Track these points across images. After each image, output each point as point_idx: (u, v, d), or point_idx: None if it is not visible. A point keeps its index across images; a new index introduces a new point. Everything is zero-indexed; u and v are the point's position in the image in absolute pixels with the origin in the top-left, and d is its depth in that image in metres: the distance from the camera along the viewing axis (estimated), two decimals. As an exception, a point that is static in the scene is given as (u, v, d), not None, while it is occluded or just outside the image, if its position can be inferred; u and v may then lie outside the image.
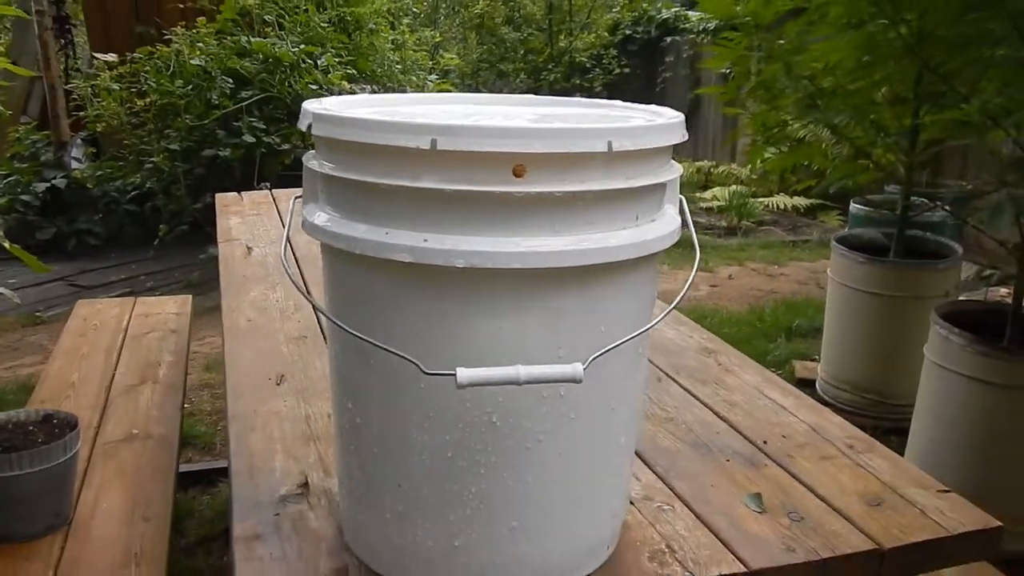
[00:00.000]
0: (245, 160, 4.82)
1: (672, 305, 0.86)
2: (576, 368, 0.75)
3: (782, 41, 2.56)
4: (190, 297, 2.94)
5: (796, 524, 1.03)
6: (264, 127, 4.84)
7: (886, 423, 3.18)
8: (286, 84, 4.89)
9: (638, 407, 0.95)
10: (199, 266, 4.98)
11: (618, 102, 1.02)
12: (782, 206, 6.80)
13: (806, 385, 3.56)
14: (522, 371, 0.74)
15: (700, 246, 0.90)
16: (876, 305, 3.21)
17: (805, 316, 4.38)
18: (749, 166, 6.95)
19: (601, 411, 0.86)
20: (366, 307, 0.82)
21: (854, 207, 4.05)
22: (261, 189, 2.89)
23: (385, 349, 0.77)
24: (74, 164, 5.90)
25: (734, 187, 6.99)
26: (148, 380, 2.25)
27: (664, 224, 0.85)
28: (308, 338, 1.59)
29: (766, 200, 6.80)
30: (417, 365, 0.75)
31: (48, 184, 5.56)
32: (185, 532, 2.52)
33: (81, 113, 5.16)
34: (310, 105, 0.85)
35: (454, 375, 0.74)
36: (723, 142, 7.55)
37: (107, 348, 2.44)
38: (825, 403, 3.40)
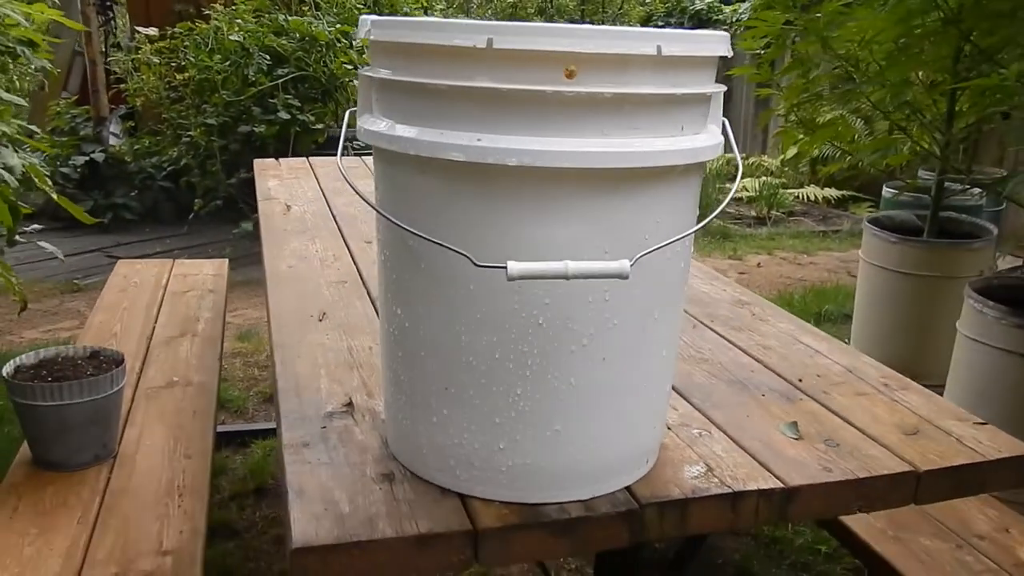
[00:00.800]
0: (279, 137, 4.87)
1: (716, 211, 0.87)
2: (623, 264, 0.77)
3: (819, 15, 2.55)
4: (226, 260, 2.99)
5: (832, 449, 1.05)
6: (299, 105, 4.89)
7: (916, 404, 3.17)
8: (321, 63, 4.94)
9: (679, 323, 0.97)
10: (232, 241, 5.05)
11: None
12: (812, 197, 6.75)
13: (835, 367, 3.55)
14: (571, 266, 0.77)
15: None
16: (909, 285, 3.20)
17: (835, 302, 4.36)
18: (780, 157, 6.92)
19: (643, 319, 0.88)
20: (420, 208, 0.85)
21: (887, 190, 4.03)
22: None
23: (437, 243, 0.80)
24: (112, 139, 6.00)
25: (764, 178, 6.95)
26: (187, 333, 2.30)
27: (708, 137, 0.87)
28: (348, 283, 1.62)
29: (796, 191, 6.76)
30: (468, 258, 0.78)
31: (87, 158, 5.66)
32: (219, 488, 2.57)
33: (121, 86, 5.25)
34: (368, 17, 0.87)
35: (505, 268, 0.76)
36: (754, 127, 7.51)
37: (147, 303, 2.50)
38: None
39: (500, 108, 0.78)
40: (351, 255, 1.80)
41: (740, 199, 6.95)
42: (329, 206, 2.23)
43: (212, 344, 2.23)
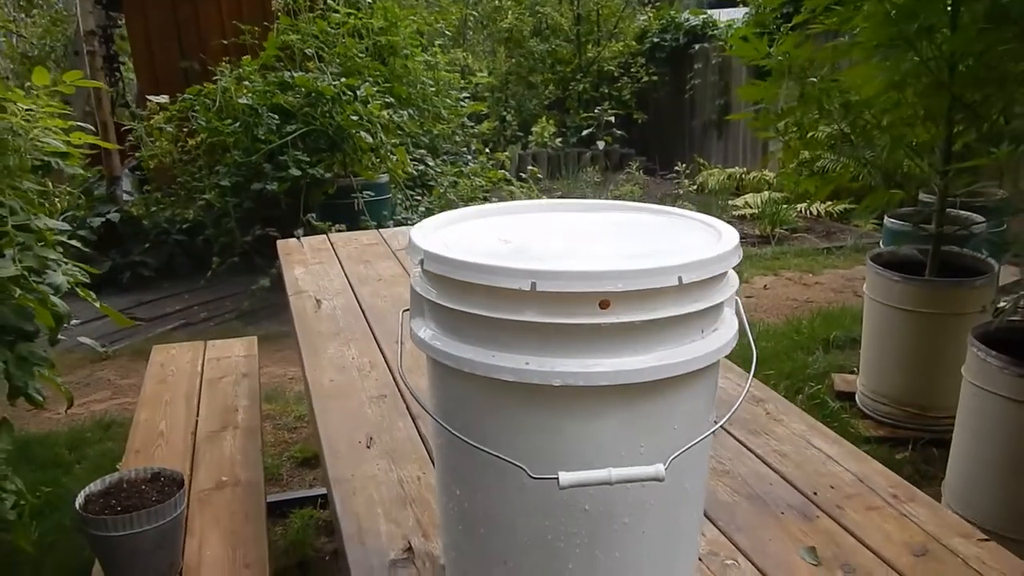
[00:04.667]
0: (290, 192, 5.01)
1: (730, 413, 0.99)
2: (658, 468, 0.89)
3: (814, 79, 2.67)
4: (255, 339, 3.11)
5: (848, 576, 1.16)
6: (307, 159, 5.03)
7: (927, 435, 3.27)
8: (327, 116, 5.07)
9: (705, 482, 1.09)
10: (250, 295, 5.17)
11: (676, 210, 1.16)
12: (815, 212, 6.87)
13: (846, 398, 3.66)
14: (613, 473, 0.88)
15: None
16: (913, 322, 3.30)
17: (842, 327, 4.46)
18: (780, 172, 7.02)
19: (676, 494, 0.99)
20: (473, 414, 0.96)
21: (889, 222, 4.12)
22: (295, 237, 3.05)
23: (493, 454, 0.91)
24: (124, 196, 6.15)
25: (766, 193, 7.07)
26: (229, 426, 2.42)
27: (725, 332, 0.98)
28: (387, 397, 1.74)
29: (799, 206, 6.87)
30: (524, 470, 0.89)
31: (103, 219, 5.81)
32: (263, 563, 2.68)
33: (137, 154, 5.39)
34: (419, 239, 0.99)
35: (556, 479, 0.88)
36: (754, 140, 7.61)
37: (186, 394, 2.62)
38: (865, 416, 3.50)
39: (544, 335, 0.89)
40: (386, 361, 1.92)
41: (744, 216, 7.06)
42: (356, 298, 2.35)
43: (253, 437, 2.35)
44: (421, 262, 0.96)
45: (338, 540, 1.30)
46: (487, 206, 1.21)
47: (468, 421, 0.97)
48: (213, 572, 1.76)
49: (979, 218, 3.83)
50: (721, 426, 0.99)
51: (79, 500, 1.70)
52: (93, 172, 6.06)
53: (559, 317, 0.88)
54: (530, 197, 6.63)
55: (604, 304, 0.88)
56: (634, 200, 7.49)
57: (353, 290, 2.41)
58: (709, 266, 0.91)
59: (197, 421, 2.45)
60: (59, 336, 2.51)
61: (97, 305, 2.34)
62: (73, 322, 2.55)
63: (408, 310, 1.06)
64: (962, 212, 3.87)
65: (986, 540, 1.23)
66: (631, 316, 0.88)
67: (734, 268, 0.99)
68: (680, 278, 0.88)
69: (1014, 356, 2.45)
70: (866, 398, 3.53)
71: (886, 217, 4.16)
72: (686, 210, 1.15)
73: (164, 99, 5.10)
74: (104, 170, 6.04)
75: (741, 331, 1.03)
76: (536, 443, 0.93)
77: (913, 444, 3.27)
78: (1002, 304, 3.23)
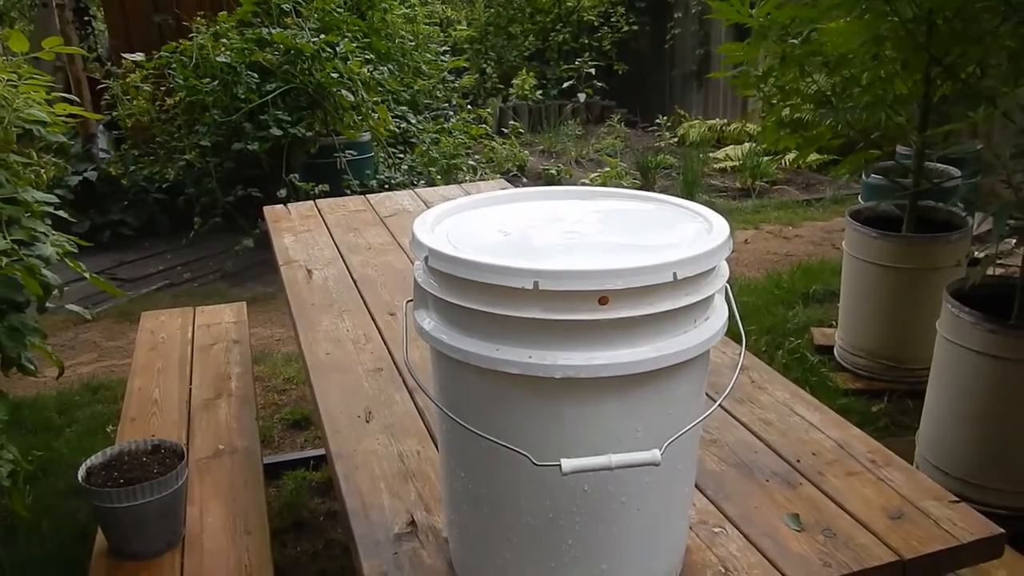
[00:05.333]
0: (272, 152, 4.98)
1: (720, 400, 1.04)
2: (655, 454, 0.94)
3: (794, 41, 2.69)
4: (244, 304, 3.14)
5: (829, 540, 1.23)
6: (288, 118, 4.99)
7: (902, 387, 3.37)
8: (307, 74, 5.02)
9: (696, 460, 1.15)
10: (233, 256, 5.17)
11: (666, 197, 1.19)
12: (794, 164, 6.91)
13: (824, 352, 3.75)
14: (613, 459, 0.93)
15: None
16: (890, 277, 3.37)
17: (821, 280, 4.54)
18: (762, 126, 7.03)
19: (669, 473, 1.05)
20: (477, 403, 1.01)
21: (867, 178, 4.17)
22: (279, 199, 3.04)
23: (498, 443, 0.96)
24: (100, 155, 6.07)
25: (747, 145, 7.09)
26: (223, 393, 2.46)
27: (716, 320, 1.03)
28: (383, 370, 1.78)
29: (779, 158, 6.91)
30: (528, 457, 0.94)
31: (80, 177, 5.75)
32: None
33: (114, 113, 5.32)
34: (423, 235, 1.02)
35: (559, 466, 0.93)
36: (735, 91, 7.60)
37: (179, 361, 2.65)
38: (843, 369, 3.60)
39: (546, 330, 0.94)
40: (380, 333, 1.96)
41: (724, 169, 7.10)
42: (348, 267, 2.38)
43: (248, 404, 2.40)
44: (426, 259, 1.00)
45: (342, 515, 1.35)
46: (484, 195, 1.24)
47: (472, 409, 1.01)
48: (215, 539, 1.82)
49: (956, 172, 3.89)
50: (712, 411, 1.04)
51: (80, 472, 1.74)
52: (67, 128, 5.97)
53: (561, 313, 0.92)
54: (513, 153, 6.63)
55: (603, 300, 0.92)
56: (616, 152, 7.50)
57: (344, 259, 2.43)
58: (703, 261, 0.96)
59: (191, 389, 2.49)
60: (47, 304, 2.53)
61: (87, 276, 2.36)
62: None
63: (411, 301, 1.10)
64: (939, 165, 3.92)
65: (957, 502, 1.31)
66: (629, 311, 0.93)
67: (725, 259, 1.03)
68: (675, 274, 0.93)
69: (987, 312, 2.53)
70: (844, 352, 3.62)
71: (863, 174, 4.21)
72: (675, 198, 1.19)
73: (140, 56, 5.02)
74: (78, 127, 5.95)
75: (730, 315, 1.08)
76: (539, 431, 0.98)
77: (889, 396, 3.37)
78: (977, 255, 3.30)
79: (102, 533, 1.80)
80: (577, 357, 0.93)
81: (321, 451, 3.06)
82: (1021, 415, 2.54)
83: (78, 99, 5.84)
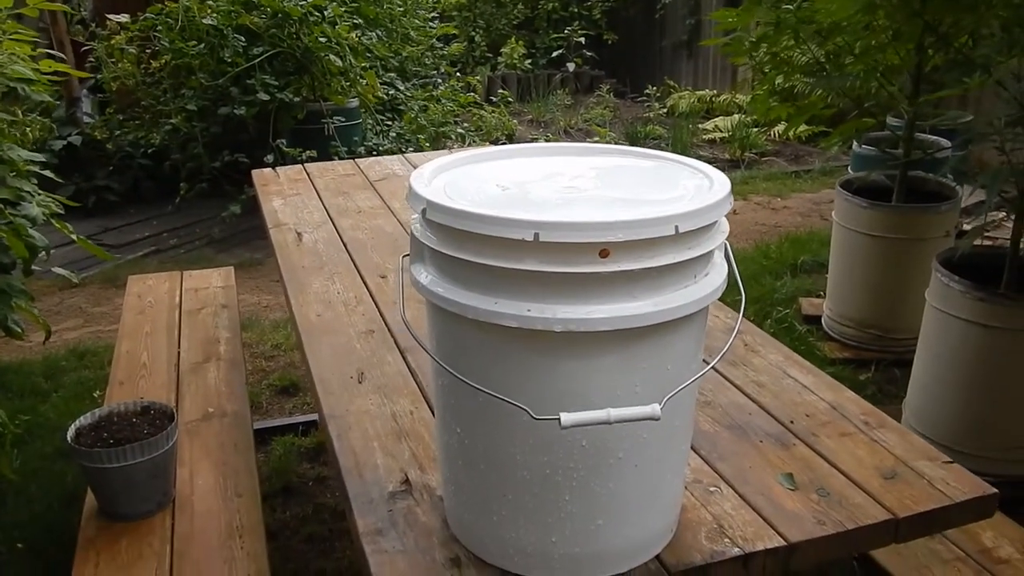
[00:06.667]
0: (259, 116, 4.92)
1: (718, 356, 1.03)
2: (654, 408, 0.93)
3: (789, 7, 2.66)
4: (232, 269, 3.11)
5: (824, 499, 1.23)
6: (276, 83, 4.92)
7: (889, 356, 3.40)
8: (295, 38, 4.94)
9: (693, 417, 1.14)
10: (220, 222, 5.12)
11: (664, 153, 1.18)
12: (784, 135, 6.90)
13: (812, 321, 3.76)
14: (612, 413, 0.93)
15: None
16: (879, 247, 3.38)
17: (809, 251, 4.55)
18: (751, 96, 7.01)
19: (667, 430, 1.04)
20: (475, 358, 1.00)
21: (857, 148, 4.17)
22: (267, 165, 3.00)
23: (497, 396, 0.95)
24: (85, 119, 5.98)
25: (736, 116, 7.07)
26: (211, 357, 2.44)
27: (716, 276, 1.02)
28: (375, 332, 1.77)
29: (769, 130, 6.90)
30: (527, 411, 0.94)
31: (65, 141, 5.66)
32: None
33: (98, 76, 5.23)
34: (420, 188, 1.01)
35: (558, 419, 0.92)
36: (724, 60, 7.56)
37: (167, 325, 2.63)
38: (830, 338, 3.61)
39: (546, 283, 0.93)
40: (371, 295, 1.94)
41: (714, 140, 7.08)
42: (337, 230, 2.35)
43: (237, 368, 2.38)
44: (423, 211, 0.98)
45: (336, 474, 1.34)
46: (480, 150, 1.22)
47: (469, 363, 1.00)
48: (206, 501, 1.81)
49: (946, 142, 3.89)
50: (711, 367, 1.04)
51: (70, 433, 1.72)
52: (52, 90, 5.88)
53: (560, 266, 0.91)
54: (502, 122, 6.58)
55: (604, 253, 0.91)
56: (605, 122, 7.47)
57: (333, 222, 2.41)
58: (704, 215, 0.95)
59: (179, 353, 2.47)
60: (33, 267, 2.50)
61: (74, 238, 2.33)
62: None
63: (407, 255, 1.09)
64: (929, 136, 3.92)
65: (949, 463, 1.32)
66: (630, 264, 0.92)
67: (726, 215, 1.02)
68: (677, 227, 0.91)
69: (976, 280, 2.54)
70: (832, 321, 3.63)
71: (854, 144, 4.20)
72: (675, 155, 1.18)
73: (124, 18, 4.93)
74: (62, 91, 5.85)
75: (730, 274, 1.08)
76: (537, 385, 0.97)
77: (876, 365, 3.39)
78: (966, 227, 3.31)
79: (92, 494, 1.79)
80: (577, 310, 0.92)
81: (310, 416, 3.05)
82: (1008, 383, 2.56)
83: (64, 57, 5.77)
